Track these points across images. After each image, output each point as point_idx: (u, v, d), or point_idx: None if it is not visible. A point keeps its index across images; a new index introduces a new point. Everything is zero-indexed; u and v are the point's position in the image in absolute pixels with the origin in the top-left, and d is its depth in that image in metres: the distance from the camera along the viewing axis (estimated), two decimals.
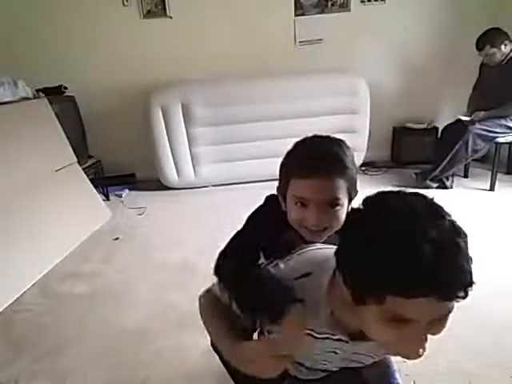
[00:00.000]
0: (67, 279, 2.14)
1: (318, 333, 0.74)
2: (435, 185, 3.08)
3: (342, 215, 0.80)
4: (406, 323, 0.54)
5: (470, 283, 0.53)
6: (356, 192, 0.84)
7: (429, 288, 0.50)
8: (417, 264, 0.51)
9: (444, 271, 0.51)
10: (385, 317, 0.56)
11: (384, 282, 0.53)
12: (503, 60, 2.87)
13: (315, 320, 0.72)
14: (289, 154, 0.84)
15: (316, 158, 0.78)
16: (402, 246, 0.52)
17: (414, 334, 0.55)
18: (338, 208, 0.79)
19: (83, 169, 2.95)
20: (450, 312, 0.56)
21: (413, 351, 0.57)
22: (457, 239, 0.54)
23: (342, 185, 0.78)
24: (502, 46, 2.82)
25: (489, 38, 2.83)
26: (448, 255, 0.52)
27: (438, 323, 0.56)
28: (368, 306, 0.57)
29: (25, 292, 2.03)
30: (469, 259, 0.54)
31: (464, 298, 0.53)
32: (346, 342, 0.74)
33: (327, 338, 0.75)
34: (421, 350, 0.56)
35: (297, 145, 0.84)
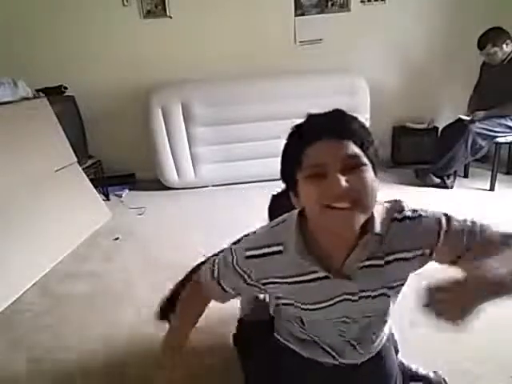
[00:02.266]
0: (67, 279, 2.14)
1: (286, 276, 0.81)
2: (437, 180, 3.06)
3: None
4: (323, 176, 0.66)
5: (358, 130, 0.70)
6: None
7: (320, 130, 0.69)
8: (308, 121, 0.73)
9: (330, 117, 0.71)
10: (307, 176, 0.68)
11: (293, 143, 0.73)
12: (504, 59, 2.87)
13: (283, 264, 0.80)
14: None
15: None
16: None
17: (332, 180, 0.65)
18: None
19: (83, 169, 2.95)
20: (354, 157, 0.68)
21: (335, 194, 0.65)
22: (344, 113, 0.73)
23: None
24: (504, 46, 2.82)
25: (490, 37, 2.83)
26: (332, 112, 0.72)
27: (351, 171, 0.67)
28: (298, 184, 0.71)
29: (25, 292, 2.03)
30: (356, 120, 0.72)
31: (357, 141, 0.69)
32: (326, 278, 0.78)
33: (301, 282, 0.80)
34: (341, 190, 0.64)
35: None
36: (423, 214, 0.79)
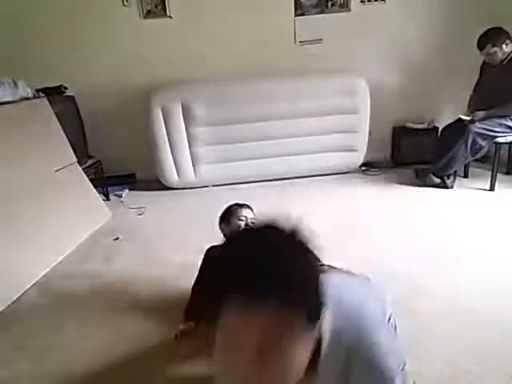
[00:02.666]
0: (67, 279, 2.14)
1: None
2: (437, 180, 3.07)
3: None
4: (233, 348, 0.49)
5: (288, 289, 0.47)
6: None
7: (236, 282, 0.49)
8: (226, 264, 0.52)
9: (248, 268, 0.49)
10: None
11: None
12: (504, 59, 2.87)
13: None
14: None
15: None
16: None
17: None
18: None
19: (83, 169, 2.95)
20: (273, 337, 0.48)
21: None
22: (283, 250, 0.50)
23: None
24: (504, 46, 2.82)
25: (490, 37, 2.83)
26: (261, 258, 0.49)
27: (269, 352, 0.48)
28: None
29: (25, 292, 2.03)
30: (295, 268, 0.49)
31: (279, 302, 0.47)
32: None
33: None
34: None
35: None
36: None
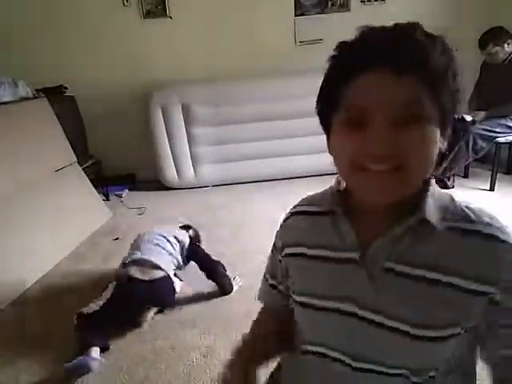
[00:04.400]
0: (67, 279, 2.14)
1: (311, 246, 0.61)
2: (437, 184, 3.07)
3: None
4: (363, 125, 0.47)
5: (433, 62, 0.46)
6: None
7: (372, 56, 0.46)
8: (360, 40, 0.48)
9: (393, 37, 0.46)
10: (342, 122, 0.50)
11: (331, 72, 0.51)
12: (505, 59, 2.87)
13: (315, 227, 0.62)
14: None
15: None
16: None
17: (372, 134, 0.46)
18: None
19: (83, 169, 2.95)
20: (415, 106, 0.46)
21: (373, 153, 0.46)
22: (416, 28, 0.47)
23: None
24: (505, 45, 2.81)
25: (492, 36, 2.82)
26: (397, 28, 0.47)
27: (405, 125, 0.46)
28: (332, 128, 0.53)
29: (25, 291, 2.03)
30: (434, 41, 0.47)
31: (427, 81, 0.46)
32: (353, 262, 0.55)
33: (324, 258, 0.59)
34: (382, 148, 0.46)
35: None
36: None
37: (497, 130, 2.86)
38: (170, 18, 3.41)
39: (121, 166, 3.66)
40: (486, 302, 0.50)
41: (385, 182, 0.48)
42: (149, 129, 3.32)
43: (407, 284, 0.52)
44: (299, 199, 0.70)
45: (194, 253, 1.92)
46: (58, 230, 2.41)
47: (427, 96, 0.46)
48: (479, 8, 3.39)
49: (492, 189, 2.97)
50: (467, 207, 0.54)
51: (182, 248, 1.91)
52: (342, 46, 0.50)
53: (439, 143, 0.50)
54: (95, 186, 3.00)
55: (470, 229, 0.51)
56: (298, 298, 0.62)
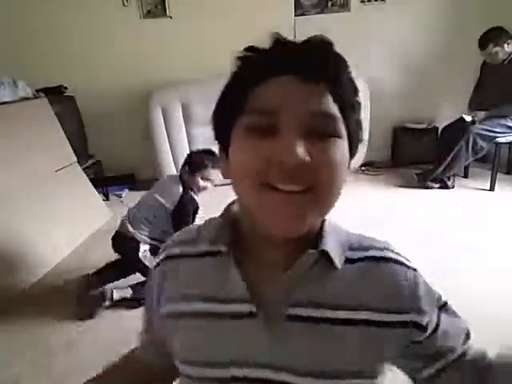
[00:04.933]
0: (67, 279, 2.14)
1: (191, 299, 0.49)
2: (437, 185, 3.07)
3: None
4: (271, 133, 0.41)
5: (344, 80, 0.44)
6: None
7: (286, 61, 0.42)
8: (271, 47, 0.46)
9: (306, 48, 0.43)
10: (247, 127, 0.43)
11: (238, 76, 0.48)
12: (505, 59, 2.87)
13: (198, 273, 0.50)
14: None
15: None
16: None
17: (283, 143, 0.39)
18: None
19: (83, 169, 2.95)
20: (329, 118, 0.42)
21: (283, 168, 0.39)
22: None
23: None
24: (505, 45, 2.81)
25: (492, 36, 2.82)
26: (311, 42, 0.44)
27: (317, 140, 0.40)
28: (232, 140, 0.46)
29: (25, 292, 2.03)
30: (345, 64, 0.45)
31: (338, 96, 0.42)
32: (250, 316, 0.45)
33: (211, 315, 0.47)
34: (294, 161, 0.38)
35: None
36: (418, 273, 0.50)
37: (497, 129, 2.86)
38: (170, 17, 3.41)
39: (121, 166, 3.65)
40: (407, 334, 0.46)
41: (297, 205, 0.40)
42: (149, 129, 3.32)
43: (317, 329, 0.44)
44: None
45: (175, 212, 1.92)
46: (57, 230, 2.41)
47: (338, 113, 0.43)
48: (479, 8, 3.38)
49: (492, 189, 2.97)
50: (363, 237, 0.51)
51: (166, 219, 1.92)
52: (253, 50, 0.47)
53: (347, 166, 0.45)
54: (95, 186, 3.00)
55: (370, 256, 0.48)
56: (180, 367, 0.50)
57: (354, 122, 0.45)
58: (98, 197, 2.97)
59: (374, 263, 0.48)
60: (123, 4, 3.35)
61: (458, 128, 2.95)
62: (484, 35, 2.86)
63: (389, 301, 0.46)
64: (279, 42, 0.45)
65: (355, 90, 0.46)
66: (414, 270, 0.49)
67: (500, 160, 2.99)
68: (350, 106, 0.44)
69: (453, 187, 3.08)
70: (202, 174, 1.93)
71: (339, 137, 0.42)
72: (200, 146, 3.37)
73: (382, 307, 0.45)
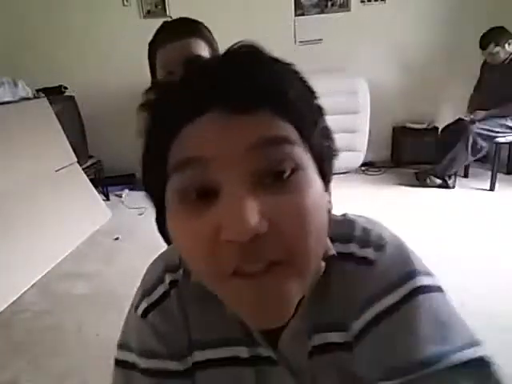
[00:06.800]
0: (67, 279, 2.14)
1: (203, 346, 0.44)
2: (438, 181, 3.07)
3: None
4: (213, 193, 0.31)
5: (280, 76, 0.35)
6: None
7: (200, 94, 0.32)
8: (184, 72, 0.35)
9: (227, 69, 0.34)
10: (180, 191, 0.33)
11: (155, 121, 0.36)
12: (506, 59, 2.87)
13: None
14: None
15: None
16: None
17: (226, 207, 0.30)
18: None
19: (83, 169, 2.95)
20: (278, 147, 0.32)
21: (232, 247, 0.29)
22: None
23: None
24: (506, 45, 2.81)
25: (493, 36, 2.83)
26: (235, 51, 0.36)
27: (270, 186, 0.31)
28: (167, 204, 0.35)
29: (25, 292, 2.03)
30: (289, 69, 0.37)
31: (278, 101, 0.33)
32: (266, 362, 0.41)
33: (229, 361, 0.42)
34: (244, 233, 0.28)
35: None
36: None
37: (497, 129, 2.86)
38: (170, 17, 3.36)
39: (121, 166, 3.65)
40: None
41: (270, 288, 0.30)
42: None
43: (337, 356, 0.40)
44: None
45: None
46: (57, 230, 2.41)
47: (291, 133, 0.33)
48: (479, 8, 3.38)
49: (492, 189, 2.97)
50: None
51: None
52: (158, 90, 0.37)
53: (326, 201, 0.36)
54: (95, 186, 3.00)
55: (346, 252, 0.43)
56: None
57: (318, 135, 0.36)
58: (98, 197, 2.97)
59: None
60: (123, 4, 3.35)
61: (458, 128, 2.95)
62: (485, 35, 2.87)
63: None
64: (191, 70, 0.35)
65: (311, 94, 0.37)
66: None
67: (500, 160, 2.99)
68: (309, 120, 0.35)
69: (453, 187, 3.08)
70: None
71: (301, 168, 0.32)
72: None
73: None
